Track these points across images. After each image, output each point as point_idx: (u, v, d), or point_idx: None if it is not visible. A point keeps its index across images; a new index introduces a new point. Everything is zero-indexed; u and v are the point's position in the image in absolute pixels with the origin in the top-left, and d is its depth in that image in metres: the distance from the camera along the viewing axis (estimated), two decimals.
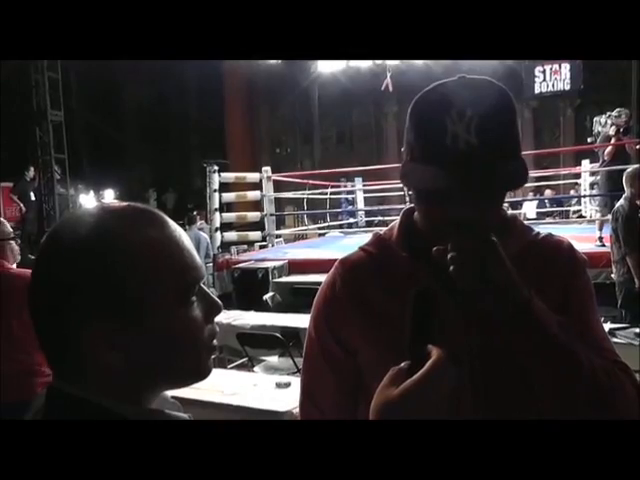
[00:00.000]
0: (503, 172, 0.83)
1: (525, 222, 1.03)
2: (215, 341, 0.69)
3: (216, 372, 0.70)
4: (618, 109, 7.06)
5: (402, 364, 0.68)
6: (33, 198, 10.20)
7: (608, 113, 7.20)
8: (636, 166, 4.93)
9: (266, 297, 6.02)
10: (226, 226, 9.07)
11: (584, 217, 10.11)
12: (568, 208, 12.17)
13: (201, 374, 0.68)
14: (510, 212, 1.02)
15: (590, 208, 9.82)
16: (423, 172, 0.85)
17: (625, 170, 5.54)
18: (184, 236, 0.68)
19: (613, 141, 6.82)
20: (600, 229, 6.68)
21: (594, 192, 9.17)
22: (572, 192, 12.96)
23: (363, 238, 1.05)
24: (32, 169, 10.19)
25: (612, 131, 6.85)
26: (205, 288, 0.69)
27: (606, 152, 6.87)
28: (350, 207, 13.04)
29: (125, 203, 0.68)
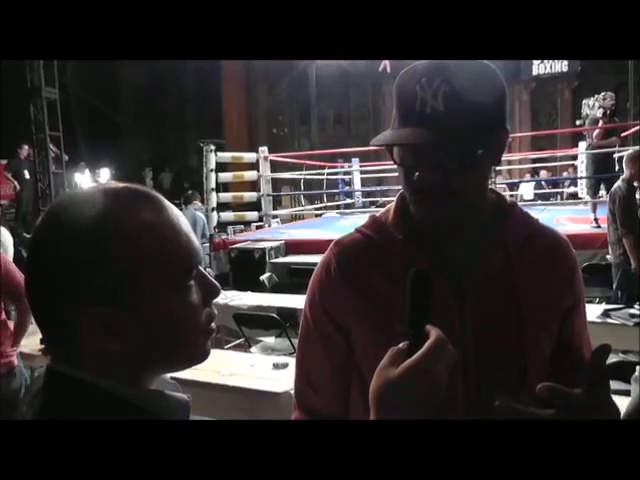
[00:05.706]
0: (468, 141, 0.84)
1: (522, 204, 1.04)
2: (213, 324, 0.69)
3: (213, 353, 0.70)
4: (604, 92, 7.20)
5: (401, 344, 0.68)
6: (28, 177, 10.11)
7: (596, 96, 7.31)
8: (636, 148, 4.93)
9: (263, 277, 6.03)
10: (223, 206, 9.05)
11: (580, 198, 10.15)
12: (563, 190, 12.16)
13: (199, 357, 0.69)
14: (509, 199, 1.02)
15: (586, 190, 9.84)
16: (392, 133, 0.87)
17: (611, 154, 5.58)
18: (182, 219, 0.67)
19: (601, 123, 6.93)
20: (593, 210, 6.71)
21: (583, 174, 9.23)
22: (565, 174, 12.96)
23: (360, 219, 1.05)
24: (26, 147, 10.09)
25: (599, 113, 6.99)
26: (203, 271, 0.69)
27: (594, 134, 6.97)
28: (347, 188, 13.03)
29: (122, 185, 0.66)
